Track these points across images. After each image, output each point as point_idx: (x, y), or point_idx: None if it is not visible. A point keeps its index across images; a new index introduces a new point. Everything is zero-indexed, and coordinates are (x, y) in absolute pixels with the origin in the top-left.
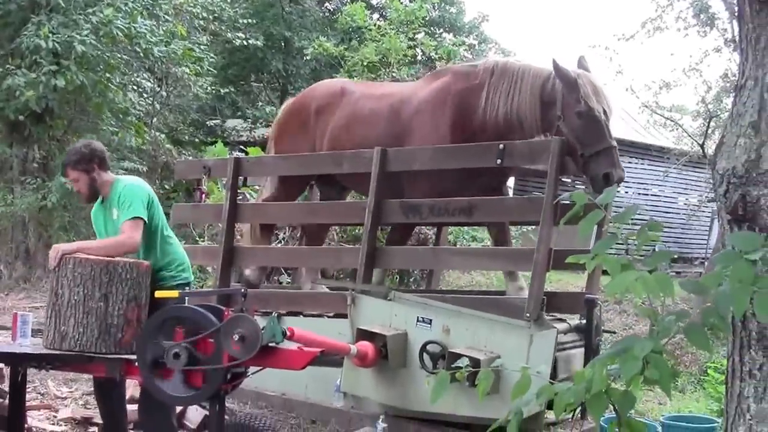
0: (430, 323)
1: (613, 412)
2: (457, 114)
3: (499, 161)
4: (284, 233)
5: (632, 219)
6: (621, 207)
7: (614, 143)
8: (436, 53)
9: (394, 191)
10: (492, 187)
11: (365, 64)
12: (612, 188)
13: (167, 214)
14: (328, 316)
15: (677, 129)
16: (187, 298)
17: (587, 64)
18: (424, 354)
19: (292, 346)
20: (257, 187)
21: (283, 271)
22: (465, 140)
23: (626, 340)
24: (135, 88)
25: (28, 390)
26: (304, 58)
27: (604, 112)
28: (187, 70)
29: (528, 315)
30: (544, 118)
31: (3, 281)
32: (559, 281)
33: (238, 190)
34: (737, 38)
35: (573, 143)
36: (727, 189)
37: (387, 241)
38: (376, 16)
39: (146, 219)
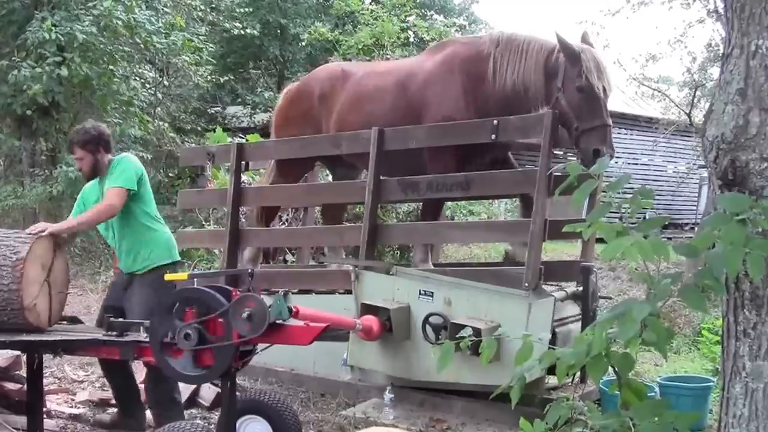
0: (432, 296)
1: (612, 375)
2: (466, 80)
3: (493, 136)
4: (287, 215)
5: (624, 188)
6: (612, 177)
7: (609, 122)
8: (428, 34)
9: (413, 168)
10: (501, 159)
11: (360, 47)
12: (604, 158)
13: (173, 202)
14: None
15: (664, 99)
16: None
17: (590, 39)
18: (427, 326)
19: (298, 322)
20: (262, 171)
21: (287, 250)
22: (477, 107)
23: (624, 304)
24: (137, 79)
25: (45, 375)
26: (300, 44)
27: (604, 89)
28: (187, 60)
29: (526, 284)
30: (547, 89)
31: None
32: (554, 251)
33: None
34: (723, 8)
35: (569, 116)
36: (717, 155)
37: (422, 218)
38: (368, 0)
39: (134, 190)
